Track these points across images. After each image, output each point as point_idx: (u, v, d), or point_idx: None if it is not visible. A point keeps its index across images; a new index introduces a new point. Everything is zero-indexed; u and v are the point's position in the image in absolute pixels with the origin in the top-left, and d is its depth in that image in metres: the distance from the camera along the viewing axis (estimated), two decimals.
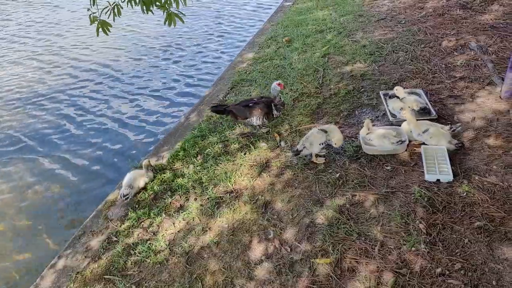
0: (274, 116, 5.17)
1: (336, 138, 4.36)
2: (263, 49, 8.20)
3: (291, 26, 9.13)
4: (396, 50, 6.66)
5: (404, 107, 4.79)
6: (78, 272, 3.93)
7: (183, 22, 3.86)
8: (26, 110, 8.17)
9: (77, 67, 10.04)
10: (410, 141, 4.43)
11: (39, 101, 8.46)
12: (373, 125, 4.58)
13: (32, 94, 8.83)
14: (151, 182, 4.81)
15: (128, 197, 4.56)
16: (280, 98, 5.12)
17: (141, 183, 4.73)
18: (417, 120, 4.44)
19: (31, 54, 11.19)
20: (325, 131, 4.39)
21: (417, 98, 4.89)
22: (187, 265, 3.68)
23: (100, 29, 3.57)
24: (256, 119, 5.07)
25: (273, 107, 5.07)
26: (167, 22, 3.71)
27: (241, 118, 5.19)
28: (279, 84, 5.00)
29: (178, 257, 3.78)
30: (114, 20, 3.68)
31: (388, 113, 4.92)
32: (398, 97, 4.93)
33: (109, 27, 3.54)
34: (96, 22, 3.49)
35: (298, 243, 3.61)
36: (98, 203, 4.99)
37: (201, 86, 8.40)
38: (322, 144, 4.38)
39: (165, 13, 3.74)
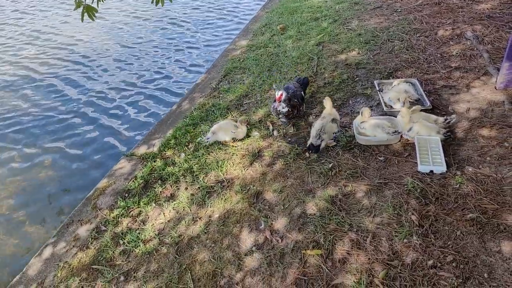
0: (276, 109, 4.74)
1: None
2: (257, 36, 8.09)
3: (285, 13, 9.00)
4: (392, 39, 6.57)
5: (392, 97, 4.77)
6: (65, 262, 3.87)
7: (171, 1, 3.75)
8: (17, 95, 8.04)
9: (67, 53, 9.89)
10: None
11: (29, 86, 8.34)
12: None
13: (23, 80, 8.69)
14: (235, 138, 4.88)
15: (207, 141, 4.83)
16: (284, 104, 4.59)
17: (227, 137, 4.80)
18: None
19: (25, 38, 11.05)
20: (336, 120, 4.48)
21: (408, 89, 4.84)
22: (176, 255, 3.62)
23: (86, 15, 3.42)
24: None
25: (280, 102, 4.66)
26: (154, 1, 3.59)
27: None
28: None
29: (168, 247, 3.72)
30: (98, 5, 3.54)
31: (383, 103, 4.85)
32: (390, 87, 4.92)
33: (94, 13, 3.39)
34: (82, 7, 3.34)
35: (289, 233, 3.56)
36: (88, 191, 4.92)
37: (194, 74, 8.29)
38: (335, 133, 4.46)
39: None
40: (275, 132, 4.86)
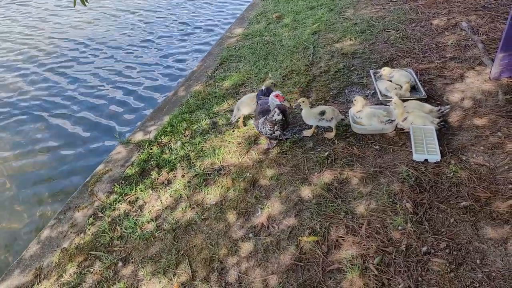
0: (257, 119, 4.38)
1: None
2: (253, 24, 8.07)
3: (281, 1, 8.98)
4: (387, 29, 6.59)
5: (389, 87, 4.80)
6: (63, 247, 3.89)
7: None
8: (17, 78, 8.00)
9: (68, 38, 9.81)
10: None
11: (29, 69, 8.29)
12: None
13: (23, 62, 8.63)
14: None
15: (234, 119, 4.82)
16: (278, 111, 4.05)
17: (246, 109, 4.70)
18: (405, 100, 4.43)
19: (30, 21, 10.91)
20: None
21: (405, 74, 4.90)
22: (174, 242, 3.66)
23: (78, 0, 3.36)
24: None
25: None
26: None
27: None
28: (277, 96, 4.04)
29: (165, 233, 3.76)
30: None
31: (378, 92, 4.89)
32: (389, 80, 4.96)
33: None
34: None
35: (286, 220, 3.61)
36: (85, 177, 4.93)
37: (189, 62, 8.26)
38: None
39: None
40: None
